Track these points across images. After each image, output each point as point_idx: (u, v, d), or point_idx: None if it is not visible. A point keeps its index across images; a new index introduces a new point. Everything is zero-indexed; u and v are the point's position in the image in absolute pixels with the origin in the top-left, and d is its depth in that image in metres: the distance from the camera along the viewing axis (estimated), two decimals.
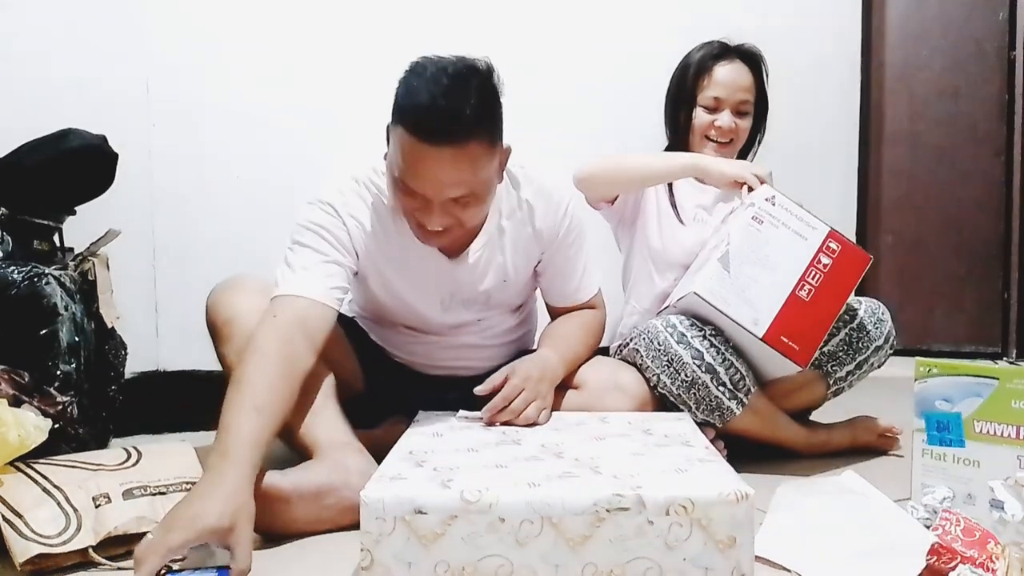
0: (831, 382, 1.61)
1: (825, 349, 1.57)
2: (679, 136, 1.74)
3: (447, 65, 1.19)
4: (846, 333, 1.58)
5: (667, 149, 1.77)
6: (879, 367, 1.64)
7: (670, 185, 1.73)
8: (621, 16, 2.28)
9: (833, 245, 1.45)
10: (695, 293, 1.42)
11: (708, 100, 1.69)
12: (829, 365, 1.59)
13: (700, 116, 1.70)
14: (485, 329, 1.54)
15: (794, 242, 1.44)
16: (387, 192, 1.34)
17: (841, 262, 1.44)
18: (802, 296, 1.42)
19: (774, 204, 1.46)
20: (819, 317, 1.43)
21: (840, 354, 1.58)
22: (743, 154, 1.76)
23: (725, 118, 1.68)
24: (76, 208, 1.66)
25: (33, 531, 1.03)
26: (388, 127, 1.26)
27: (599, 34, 2.23)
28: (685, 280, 1.57)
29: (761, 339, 1.40)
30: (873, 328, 1.60)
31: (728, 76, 1.69)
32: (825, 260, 1.44)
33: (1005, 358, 2.62)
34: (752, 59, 1.72)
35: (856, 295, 1.57)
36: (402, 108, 1.19)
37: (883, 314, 1.62)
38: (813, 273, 1.43)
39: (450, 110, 1.15)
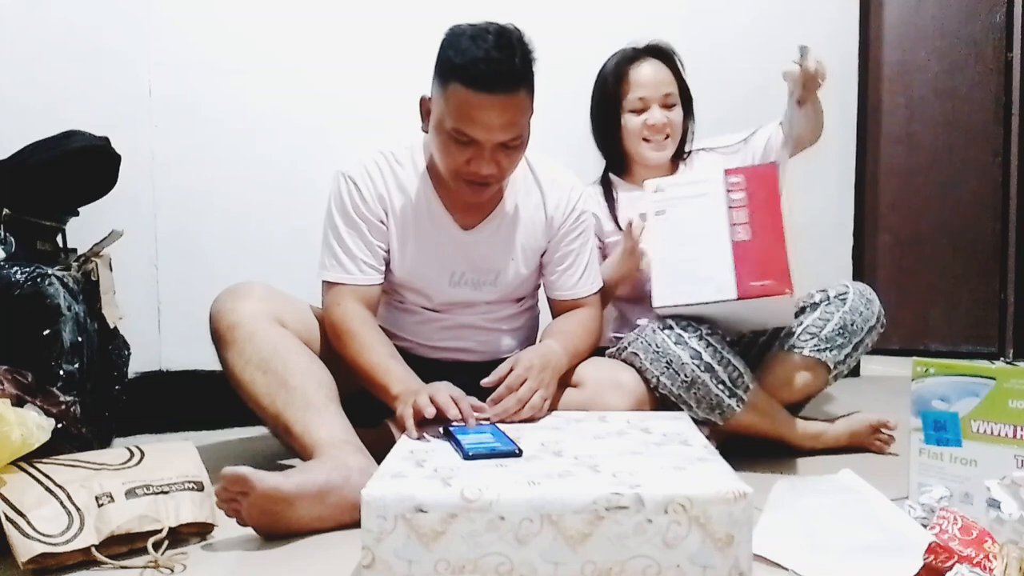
0: (832, 366, 1.62)
1: (822, 335, 1.60)
2: (612, 147, 1.76)
3: (485, 26, 1.33)
4: (840, 317, 1.62)
5: (606, 166, 1.80)
6: (872, 345, 1.67)
7: (613, 211, 1.74)
8: (620, 15, 2.29)
9: (734, 179, 1.44)
10: (656, 311, 1.48)
11: (634, 103, 1.69)
12: (828, 351, 1.60)
13: (630, 121, 1.70)
14: (487, 312, 1.57)
15: (701, 203, 1.45)
16: (419, 163, 1.50)
17: (752, 186, 1.43)
18: (743, 238, 1.41)
19: (663, 190, 1.48)
20: (771, 243, 1.40)
21: (838, 339, 1.61)
22: (681, 149, 1.76)
23: (656, 114, 1.68)
24: (79, 209, 1.67)
25: (36, 530, 1.03)
26: (431, 94, 1.39)
27: (596, 31, 2.24)
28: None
29: (737, 299, 1.40)
30: (864, 308, 1.63)
31: (646, 74, 1.70)
32: (737, 195, 1.43)
33: (1002, 358, 2.63)
34: (664, 54, 1.73)
35: (847, 281, 1.61)
36: (456, 66, 1.31)
37: (870, 294, 1.67)
38: (735, 214, 1.43)
39: (502, 61, 1.30)
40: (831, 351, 1.60)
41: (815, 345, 1.60)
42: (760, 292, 1.39)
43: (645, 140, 1.70)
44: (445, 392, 1.24)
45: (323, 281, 1.49)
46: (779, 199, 1.42)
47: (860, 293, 1.65)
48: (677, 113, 1.71)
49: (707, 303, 1.42)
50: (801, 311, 1.66)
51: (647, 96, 1.68)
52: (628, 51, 1.73)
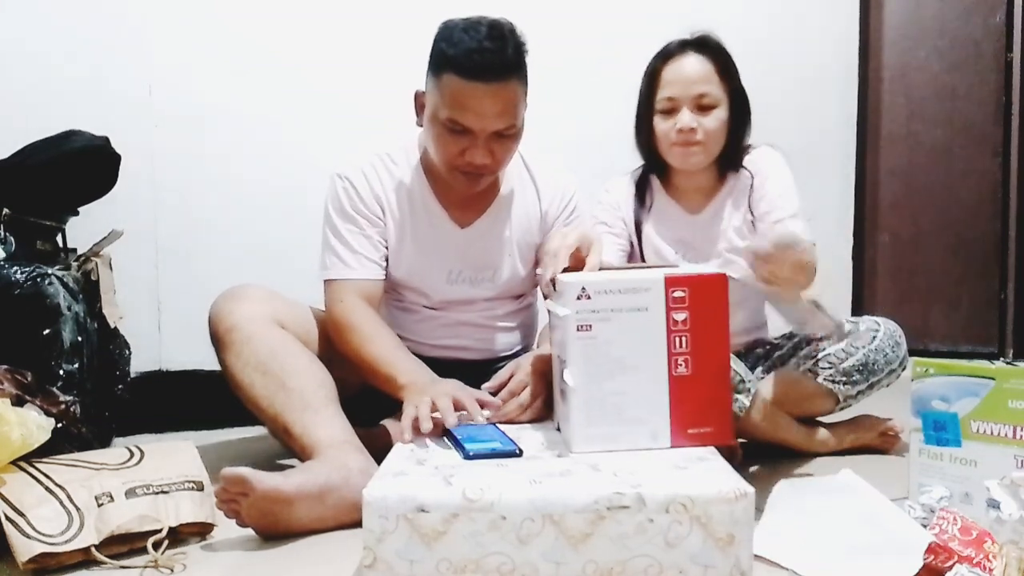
0: (841, 399, 1.59)
1: (841, 368, 1.56)
2: (650, 155, 1.59)
3: (478, 19, 1.35)
4: (864, 354, 1.56)
5: (646, 166, 1.63)
6: (889, 386, 1.62)
7: (639, 219, 1.61)
8: (619, 15, 2.29)
9: (678, 293, 1.11)
10: (572, 453, 1.13)
11: (663, 103, 1.51)
12: (842, 384, 1.57)
13: (659, 125, 1.52)
14: (486, 309, 1.58)
15: (636, 321, 1.11)
16: (414, 161, 1.51)
17: (698, 303, 1.12)
18: (683, 372, 1.12)
19: (590, 297, 1.11)
20: (715, 380, 1.13)
21: (855, 375, 1.56)
22: (730, 158, 1.56)
23: (685, 117, 1.48)
24: (79, 209, 1.67)
25: (36, 530, 1.03)
26: (424, 88, 1.40)
27: (596, 31, 2.24)
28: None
29: (670, 448, 1.13)
30: (891, 350, 1.57)
31: (678, 71, 1.50)
32: (680, 315, 1.11)
33: (1002, 358, 2.63)
34: (707, 48, 1.53)
35: (859, 306, 1.54)
36: (449, 57, 1.32)
37: (900, 337, 1.60)
38: (676, 340, 1.11)
39: (495, 51, 1.31)
40: (845, 385, 1.56)
41: (831, 375, 1.56)
42: (697, 441, 1.12)
43: (675, 145, 1.51)
44: (447, 397, 1.21)
45: (324, 281, 1.49)
46: (727, 320, 1.13)
47: (890, 334, 1.59)
48: (714, 117, 1.50)
49: (634, 450, 1.12)
50: (827, 336, 1.61)
51: (676, 95, 1.49)
52: (670, 45, 1.54)
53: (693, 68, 1.50)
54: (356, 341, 1.40)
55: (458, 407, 1.21)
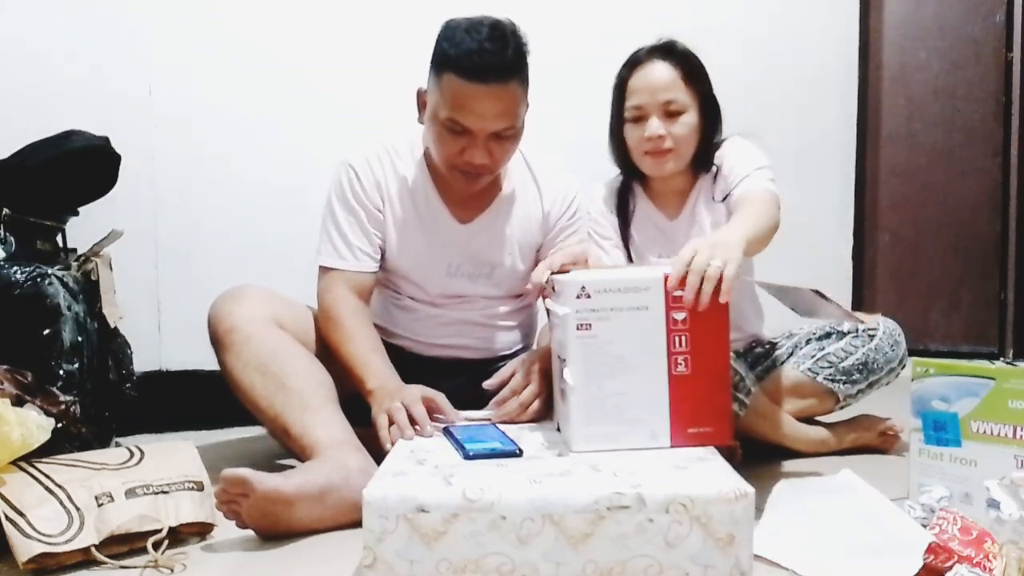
0: (841, 398, 1.60)
1: (840, 367, 1.58)
2: (625, 163, 1.59)
3: (480, 19, 1.35)
4: (863, 353, 1.58)
5: (622, 177, 1.64)
6: (888, 385, 1.64)
7: (624, 226, 1.62)
8: (619, 14, 2.29)
9: (678, 292, 1.11)
10: (572, 453, 1.13)
11: (632, 112, 1.50)
12: (842, 383, 1.58)
13: (629, 133, 1.52)
14: (485, 308, 1.58)
15: (636, 321, 1.11)
16: (417, 156, 1.52)
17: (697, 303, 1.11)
18: (682, 371, 1.12)
19: (590, 296, 1.12)
20: (714, 379, 1.13)
21: (855, 374, 1.58)
22: (703, 160, 1.55)
23: (653, 125, 1.48)
24: (79, 209, 1.67)
25: (35, 530, 1.03)
26: (427, 86, 1.41)
27: (596, 31, 2.24)
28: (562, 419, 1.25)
29: (670, 447, 1.14)
30: (890, 350, 1.60)
31: (644, 79, 1.50)
32: (680, 315, 1.11)
33: (1002, 358, 2.63)
34: (673, 54, 1.51)
35: (859, 306, 1.55)
36: (450, 57, 1.33)
37: (899, 336, 1.62)
38: (677, 339, 1.12)
39: (495, 52, 1.32)
40: (845, 384, 1.58)
41: (830, 375, 1.58)
42: (697, 441, 1.12)
43: (648, 155, 1.51)
44: (420, 404, 1.25)
45: (319, 267, 1.51)
46: (727, 320, 1.13)
47: (890, 333, 1.61)
48: (682, 124, 1.49)
49: (634, 450, 1.13)
50: (827, 336, 1.63)
51: (643, 104, 1.49)
52: (636, 52, 1.54)
53: (659, 75, 1.50)
54: (337, 337, 1.43)
55: (433, 411, 1.26)
